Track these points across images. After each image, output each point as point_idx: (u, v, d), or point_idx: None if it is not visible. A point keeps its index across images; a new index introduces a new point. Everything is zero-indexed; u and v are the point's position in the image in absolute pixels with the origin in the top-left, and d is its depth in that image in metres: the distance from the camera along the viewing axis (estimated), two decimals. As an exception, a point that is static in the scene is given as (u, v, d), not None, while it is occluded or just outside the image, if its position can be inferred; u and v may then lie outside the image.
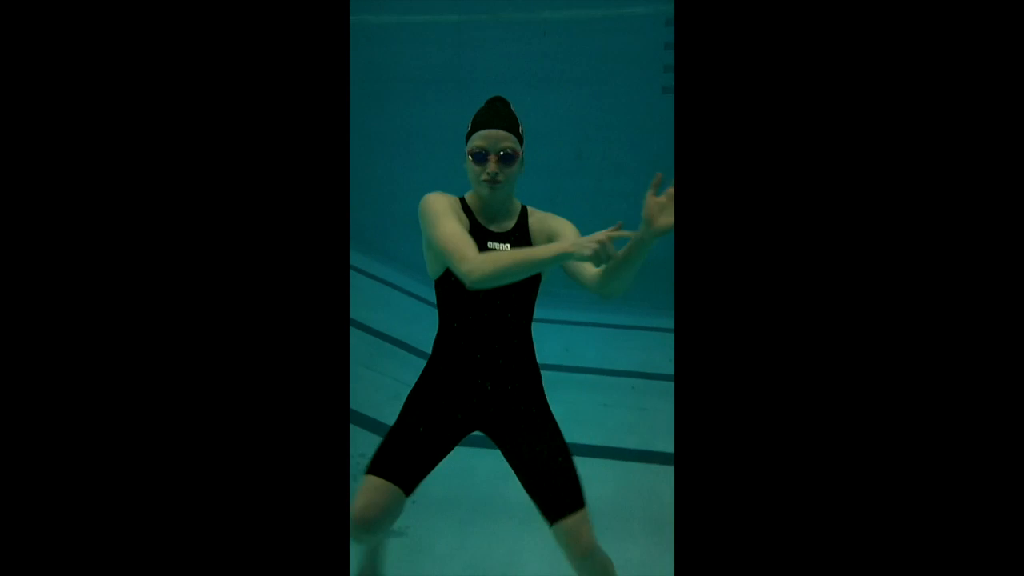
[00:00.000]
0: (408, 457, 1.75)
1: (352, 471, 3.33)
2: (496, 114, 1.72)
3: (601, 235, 1.48)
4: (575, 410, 4.12)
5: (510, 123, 1.72)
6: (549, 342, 5.24)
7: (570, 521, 1.70)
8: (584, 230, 1.86)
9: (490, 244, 1.75)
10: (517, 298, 1.79)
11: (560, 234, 1.77)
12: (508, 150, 1.70)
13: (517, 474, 1.82)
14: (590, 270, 1.69)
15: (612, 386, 4.67)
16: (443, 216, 1.67)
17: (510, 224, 1.80)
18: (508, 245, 1.76)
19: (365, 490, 1.70)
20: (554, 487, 1.73)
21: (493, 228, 1.78)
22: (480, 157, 1.69)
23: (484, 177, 1.70)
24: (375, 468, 1.73)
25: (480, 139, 1.69)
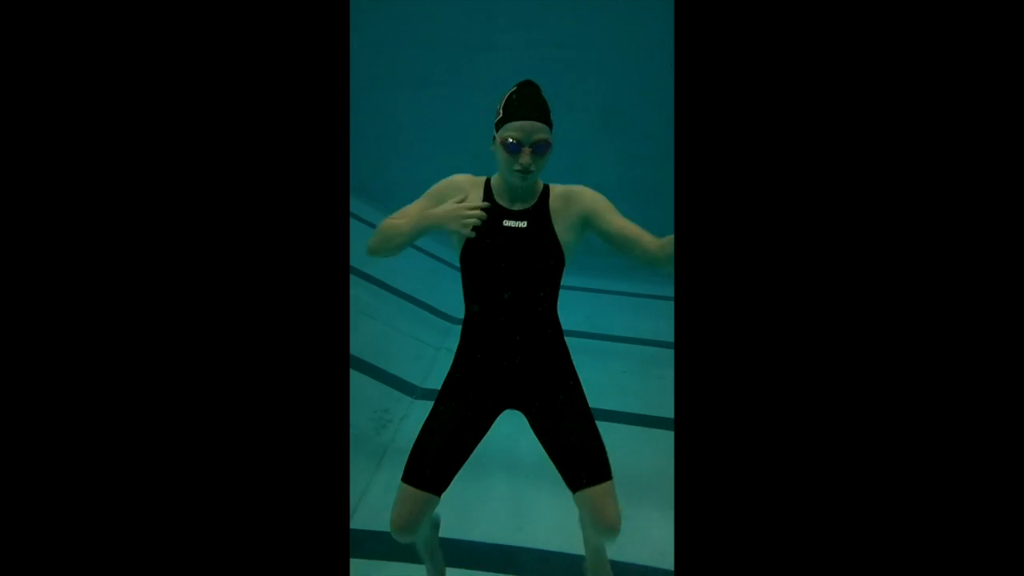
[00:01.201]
0: (438, 461, 1.81)
1: (374, 425, 3.41)
2: (530, 104, 1.73)
3: (463, 209, 1.70)
4: (595, 377, 4.18)
5: (543, 112, 1.74)
6: (570, 309, 5.27)
7: (595, 491, 1.75)
8: (611, 197, 1.86)
9: (506, 223, 1.78)
10: (541, 275, 1.81)
11: (580, 203, 1.80)
12: (542, 141, 1.72)
13: (545, 448, 1.86)
14: (641, 248, 1.75)
15: (630, 354, 4.70)
16: (422, 197, 1.83)
17: (530, 203, 1.81)
18: (525, 223, 1.78)
19: (400, 500, 1.79)
20: (581, 460, 1.78)
21: (510, 206, 1.81)
22: (514, 148, 1.71)
23: (517, 167, 1.72)
24: (408, 476, 1.81)
25: (515, 130, 1.71)
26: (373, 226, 1.80)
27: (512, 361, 1.84)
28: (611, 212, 1.81)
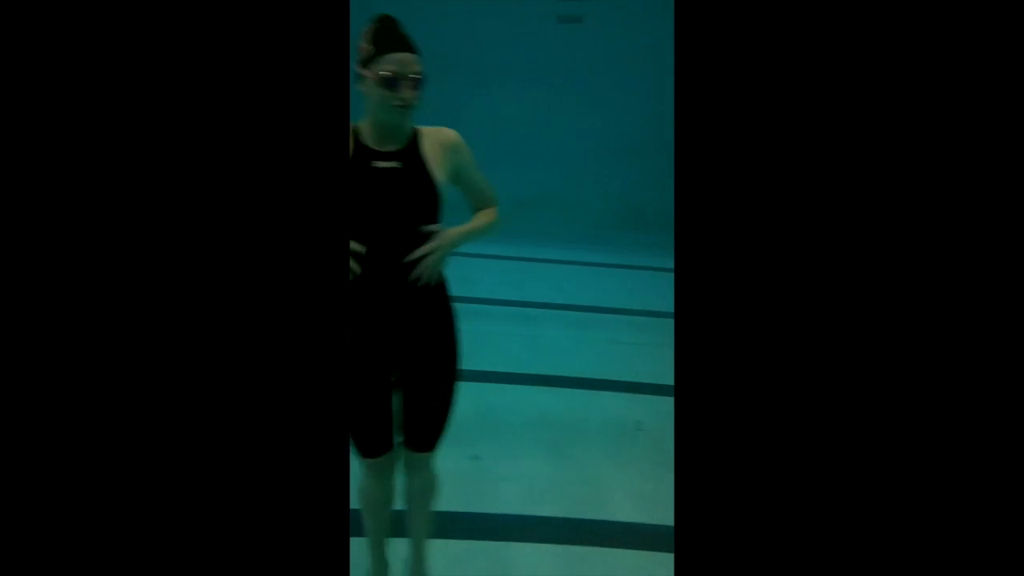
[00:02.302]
0: (375, 429, 1.89)
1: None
2: (401, 36, 1.69)
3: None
4: (559, 345, 4.30)
5: (414, 45, 1.69)
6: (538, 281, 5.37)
7: (422, 456, 1.98)
8: (484, 151, 1.87)
9: (376, 163, 1.73)
10: (419, 216, 1.77)
11: (453, 151, 1.82)
12: (419, 73, 1.68)
13: (404, 400, 1.91)
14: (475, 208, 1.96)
15: (600, 322, 4.76)
16: None
17: (401, 143, 1.76)
18: (398, 163, 1.73)
19: (365, 473, 1.96)
20: (424, 427, 1.93)
21: (381, 148, 1.75)
22: (392, 83, 1.65)
23: (397, 103, 1.67)
24: (362, 452, 1.92)
25: (391, 63, 1.65)
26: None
27: (396, 316, 1.80)
28: (473, 168, 1.89)
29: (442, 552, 2.31)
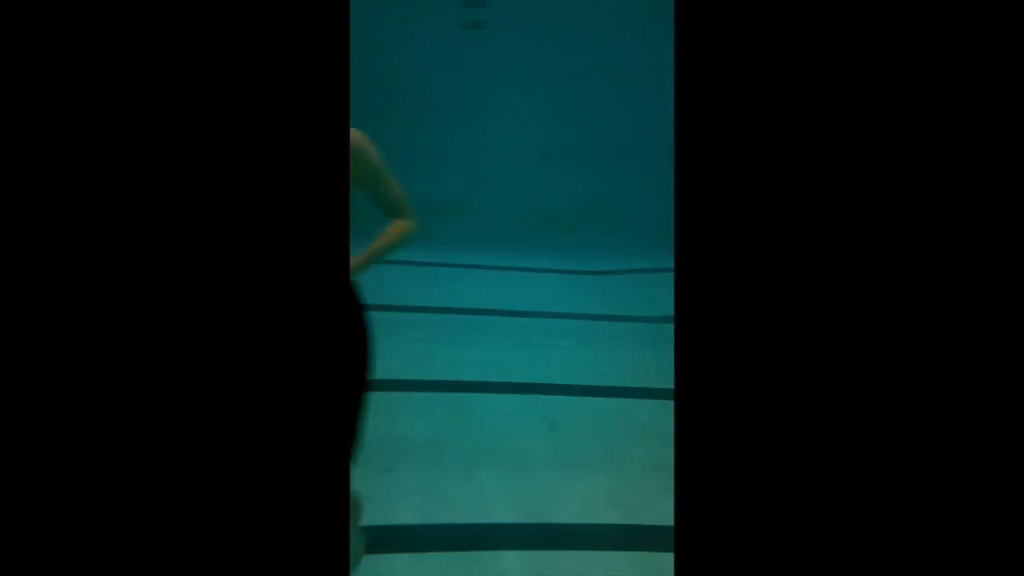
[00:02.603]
0: None
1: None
2: None
3: None
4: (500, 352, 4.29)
5: None
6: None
7: None
8: (388, 156, 1.86)
9: None
10: None
11: (360, 155, 1.75)
12: None
13: None
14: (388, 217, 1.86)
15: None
16: None
17: None
18: None
19: None
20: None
21: None
22: None
23: None
24: None
25: None
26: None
27: None
28: (381, 172, 1.80)
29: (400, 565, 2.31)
